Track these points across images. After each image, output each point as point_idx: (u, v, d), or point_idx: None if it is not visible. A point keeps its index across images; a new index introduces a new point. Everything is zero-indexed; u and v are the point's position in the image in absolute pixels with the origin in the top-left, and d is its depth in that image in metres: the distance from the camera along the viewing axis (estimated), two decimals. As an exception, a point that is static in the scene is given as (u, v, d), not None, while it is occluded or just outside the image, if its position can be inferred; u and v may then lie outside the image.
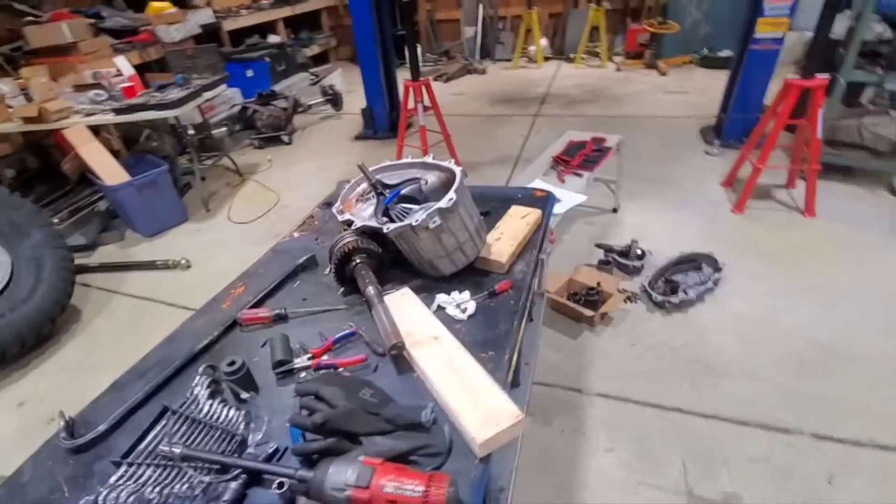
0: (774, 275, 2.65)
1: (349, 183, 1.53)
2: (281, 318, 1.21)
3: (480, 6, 7.54)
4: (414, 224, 1.12)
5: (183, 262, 3.13)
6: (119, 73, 3.79)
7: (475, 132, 5.08)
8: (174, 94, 3.48)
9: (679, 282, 2.57)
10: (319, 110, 5.96)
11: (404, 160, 1.46)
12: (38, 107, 3.26)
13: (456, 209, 1.17)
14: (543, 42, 7.40)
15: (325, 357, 1.06)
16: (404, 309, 1.16)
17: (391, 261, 1.29)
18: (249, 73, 5.44)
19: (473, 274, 1.31)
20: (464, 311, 1.16)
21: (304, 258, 1.43)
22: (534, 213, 1.51)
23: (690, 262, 2.71)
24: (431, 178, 1.40)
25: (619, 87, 6.06)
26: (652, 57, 6.51)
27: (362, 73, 4.83)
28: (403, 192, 1.34)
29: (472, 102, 6.05)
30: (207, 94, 3.74)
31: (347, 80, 6.49)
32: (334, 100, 5.76)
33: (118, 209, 3.49)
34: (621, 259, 2.77)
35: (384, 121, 5.01)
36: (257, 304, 1.27)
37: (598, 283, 2.51)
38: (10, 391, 2.34)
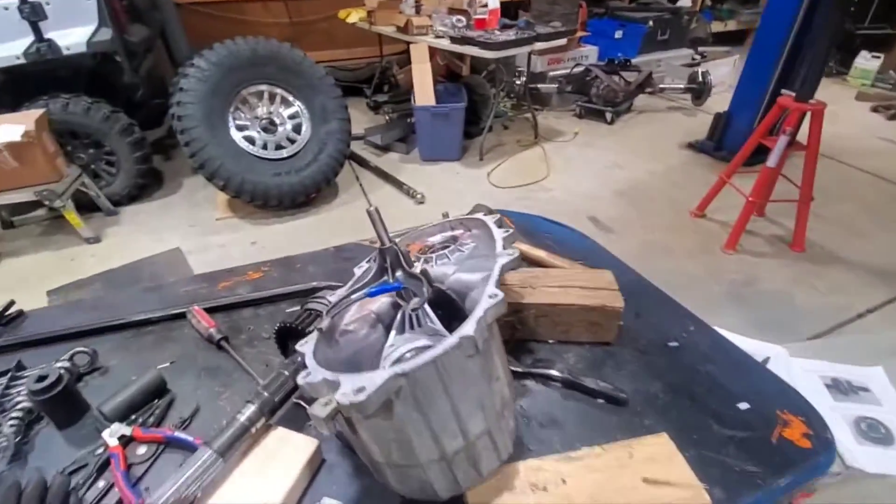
0: None
1: (444, 220, 1.00)
2: (212, 341, 0.91)
3: None
4: (305, 383, 0.55)
5: (419, 195, 3.19)
6: (485, 4, 3.88)
7: (880, 213, 3.13)
8: (505, 35, 3.32)
9: None
10: (675, 98, 4.88)
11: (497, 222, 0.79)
12: (406, 19, 3.69)
13: (423, 398, 0.52)
14: None
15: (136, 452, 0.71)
16: (248, 483, 0.65)
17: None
18: (618, 35, 4.81)
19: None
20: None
21: (310, 284, 1.04)
22: None
23: None
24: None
25: None
26: None
27: (746, 63, 3.53)
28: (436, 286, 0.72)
29: (914, 162, 3.73)
30: (538, 45, 3.44)
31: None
32: (699, 91, 4.56)
33: (416, 126, 3.80)
34: None
35: (738, 139, 3.63)
36: (217, 310, 1.00)
37: None
38: (252, 231, 2.99)
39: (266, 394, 0.71)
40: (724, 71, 5.07)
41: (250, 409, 0.69)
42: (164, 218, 3.18)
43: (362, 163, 3.69)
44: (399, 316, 0.73)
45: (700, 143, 3.88)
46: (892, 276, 2.53)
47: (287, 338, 0.82)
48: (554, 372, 0.85)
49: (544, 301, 0.89)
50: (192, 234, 3.00)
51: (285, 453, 0.69)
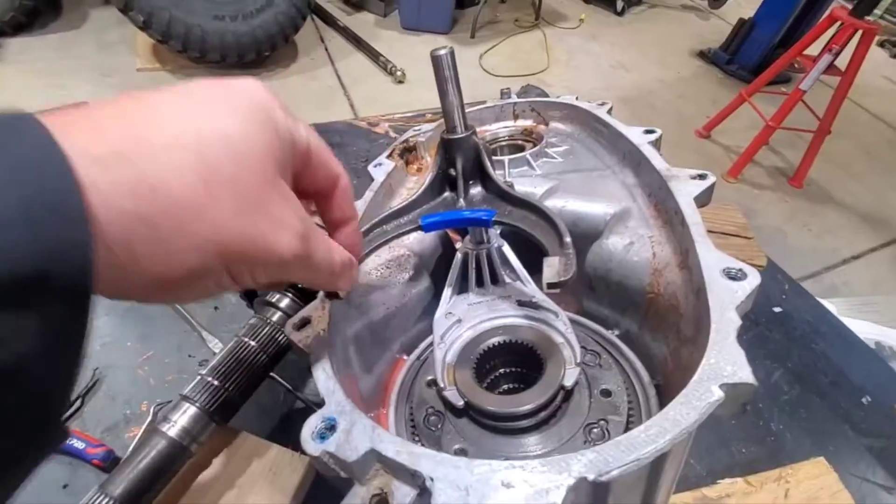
0: None
1: (502, 100, 0.65)
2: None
3: None
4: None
5: (399, 73, 2.66)
6: None
7: (877, 156, 3.01)
8: None
9: None
10: (689, -5, 4.32)
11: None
12: None
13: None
14: None
15: None
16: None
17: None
18: None
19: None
20: None
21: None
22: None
23: None
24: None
25: None
26: None
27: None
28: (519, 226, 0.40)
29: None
30: None
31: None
32: (718, -9, 4.03)
33: (398, -18, 3.08)
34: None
35: (757, 54, 3.28)
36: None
37: None
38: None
39: (214, 381, 0.40)
40: (747, -29, 4.49)
41: (186, 412, 0.38)
42: (65, 59, 2.45)
43: (329, 20, 2.99)
44: (459, 263, 0.42)
45: (713, 53, 3.49)
46: (878, 223, 2.49)
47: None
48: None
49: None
50: (105, 85, 2.34)
51: (257, 480, 0.40)
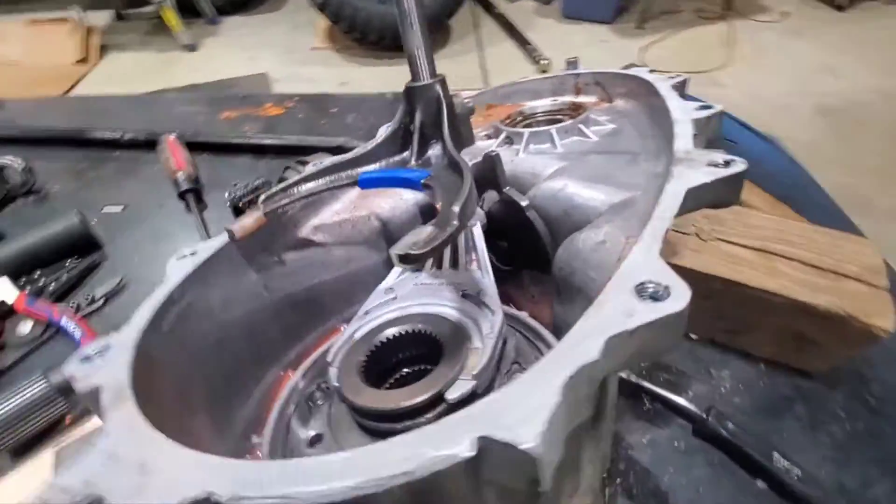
0: None
1: (566, 70, 0.56)
2: (177, 188, 0.63)
3: None
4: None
5: (544, 61, 2.55)
6: None
7: None
8: None
9: None
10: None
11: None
12: None
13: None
14: None
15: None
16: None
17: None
18: None
19: None
20: None
21: (336, 140, 0.68)
22: None
23: None
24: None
25: None
26: None
27: None
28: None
29: None
30: None
31: None
32: None
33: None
34: None
35: None
36: (202, 147, 0.69)
37: None
38: (345, 70, 2.62)
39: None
40: None
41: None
42: (263, 36, 2.92)
43: (487, 7, 3.01)
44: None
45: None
46: None
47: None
48: (685, 403, 0.45)
49: (718, 271, 0.45)
50: (285, 60, 2.73)
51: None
